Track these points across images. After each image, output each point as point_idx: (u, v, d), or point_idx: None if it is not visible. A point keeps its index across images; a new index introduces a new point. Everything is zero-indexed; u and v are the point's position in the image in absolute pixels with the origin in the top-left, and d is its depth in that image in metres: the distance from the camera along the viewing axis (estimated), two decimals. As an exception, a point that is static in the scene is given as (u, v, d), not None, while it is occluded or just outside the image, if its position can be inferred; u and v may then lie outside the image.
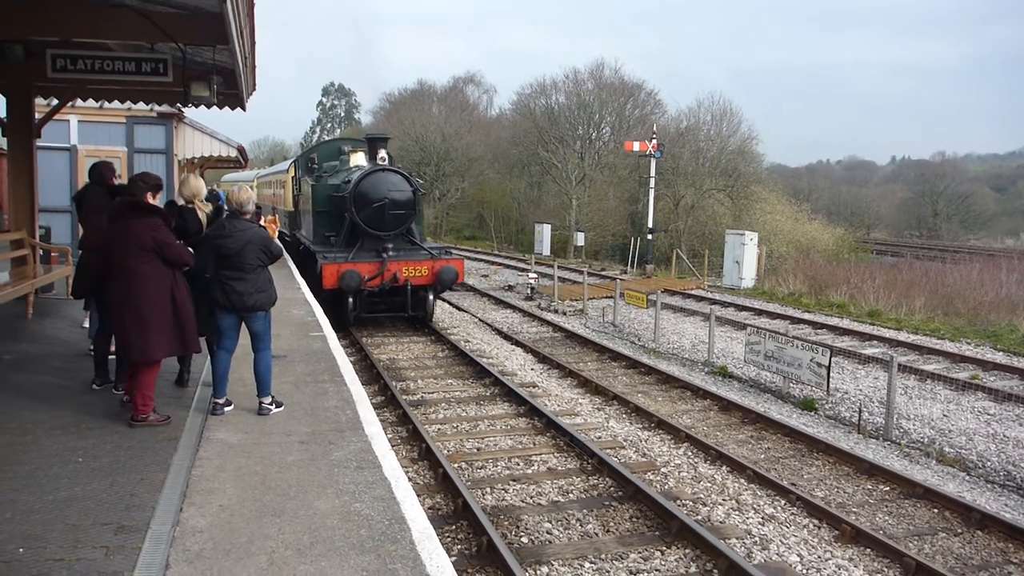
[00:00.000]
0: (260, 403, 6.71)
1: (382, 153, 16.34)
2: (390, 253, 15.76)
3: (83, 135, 16.13)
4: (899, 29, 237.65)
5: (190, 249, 6.53)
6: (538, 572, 6.35)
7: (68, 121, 15.75)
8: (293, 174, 22.56)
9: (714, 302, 23.33)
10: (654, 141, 32.22)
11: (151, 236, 6.13)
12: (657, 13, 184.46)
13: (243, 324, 6.68)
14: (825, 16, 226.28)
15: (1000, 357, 16.06)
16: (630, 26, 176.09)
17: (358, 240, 15.97)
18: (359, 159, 17.60)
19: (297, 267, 18.60)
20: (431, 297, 16.46)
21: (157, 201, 6.56)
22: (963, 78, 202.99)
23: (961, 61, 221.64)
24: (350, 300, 15.38)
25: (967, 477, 9.64)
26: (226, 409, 6.67)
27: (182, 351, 6.54)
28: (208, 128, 18.51)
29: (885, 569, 6.83)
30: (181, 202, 7.34)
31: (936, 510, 8.31)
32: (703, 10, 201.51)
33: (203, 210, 7.35)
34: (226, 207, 6.99)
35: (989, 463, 10.00)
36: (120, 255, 6.16)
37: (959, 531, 7.81)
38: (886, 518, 8.11)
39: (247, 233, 6.53)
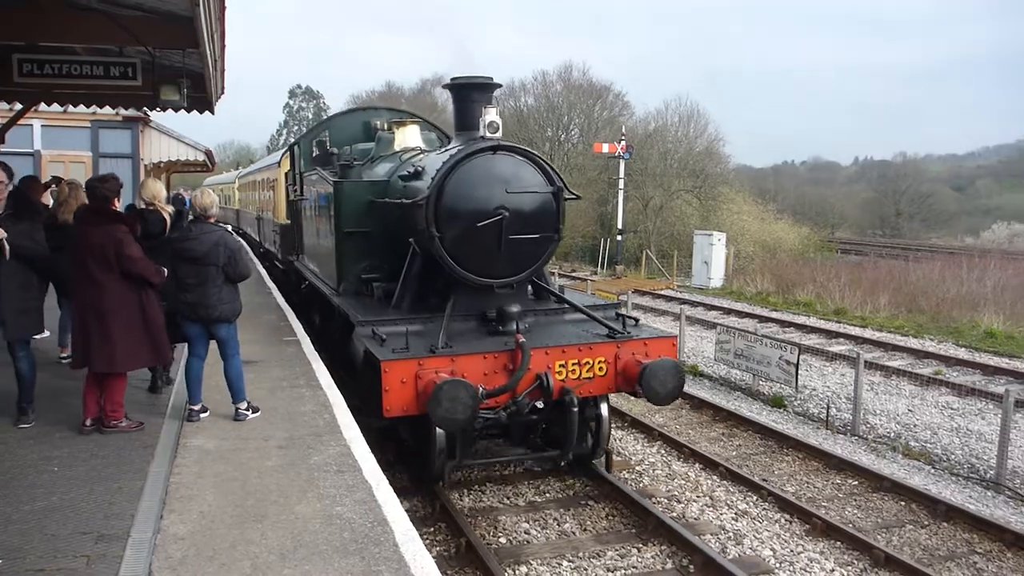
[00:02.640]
0: (236, 409, 6.69)
1: (491, 115, 7.88)
2: (521, 324, 7.71)
3: (47, 140, 15.94)
4: (859, 32, 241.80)
5: (159, 268, 6.31)
6: (517, 571, 6.41)
7: (31, 126, 15.54)
8: (289, 168, 14.47)
9: (684, 302, 23.57)
10: (623, 143, 32.45)
11: (113, 249, 5.96)
12: (625, 16, 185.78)
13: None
14: (785, 18, 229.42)
15: (962, 353, 16.43)
16: (598, 30, 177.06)
17: (443, 293, 8.04)
18: (410, 137, 10.22)
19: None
20: (605, 412, 8.12)
21: (119, 205, 6.39)
22: (923, 80, 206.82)
23: (921, 63, 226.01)
24: (439, 434, 7.23)
25: (932, 470, 9.86)
26: (202, 416, 6.64)
27: (154, 363, 6.45)
28: (175, 132, 18.35)
29: (855, 561, 6.98)
30: (142, 205, 7.30)
31: (903, 503, 8.50)
32: (669, 13, 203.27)
33: (165, 211, 7.30)
34: (190, 212, 6.91)
35: (953, 456, 10.24)
36: (82, 264, 6.02)
37: (926, 523, 8.00)
38: (855, 511, 8.28)
39: (213, 235, 6.46)
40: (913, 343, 17.36)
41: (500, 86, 8.47)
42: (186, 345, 6.78)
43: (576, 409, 7.32)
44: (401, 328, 7.28)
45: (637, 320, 8.33)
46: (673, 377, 7.21)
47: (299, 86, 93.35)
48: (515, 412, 7.14)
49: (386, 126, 11.40)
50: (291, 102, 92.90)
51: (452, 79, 8.51)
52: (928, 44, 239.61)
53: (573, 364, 7.37)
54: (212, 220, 6.63)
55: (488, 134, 7.82)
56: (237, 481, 5.27)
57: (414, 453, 7.93)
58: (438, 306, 7.88)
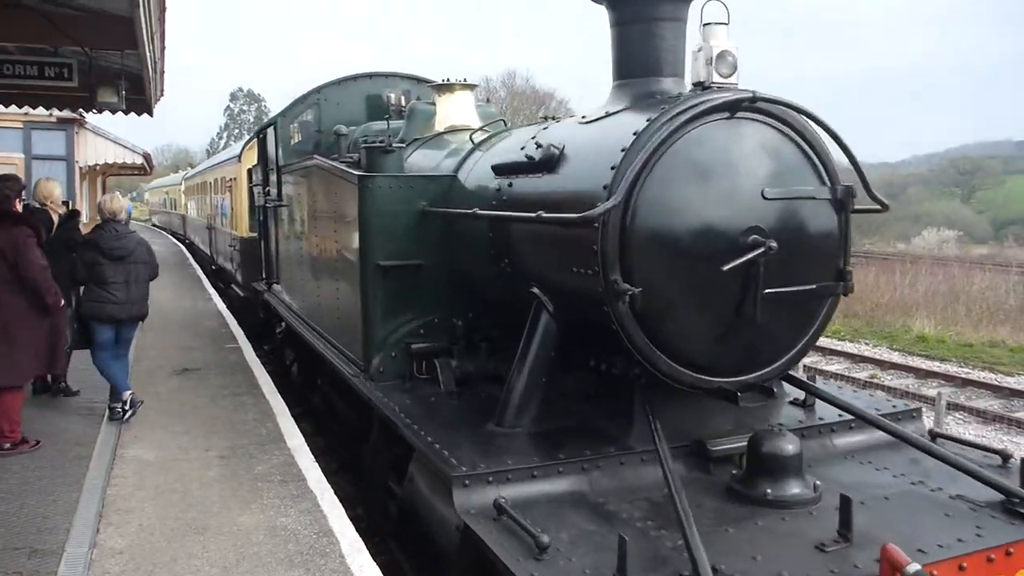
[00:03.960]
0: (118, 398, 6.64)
1: (720, 42, 3.81)
2: (804, 486, 3.53)
3: (-26, 140, 15.35)
4: (802, 40, 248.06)
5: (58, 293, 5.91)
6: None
7: (-42, 126, 14.98)
8: (257, 162, 10.23)
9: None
10: (567, 149, 32.67)
11: (12, 254, 5.60)
12: (574, 17, 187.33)
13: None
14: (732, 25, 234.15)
15: (896, 357, 16.90)
16: (536, 35, 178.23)
17: (619, 395, 4.12)
18: (462, 109, 6.70)
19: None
20: None
21: (19, 206, 6.16)
22: (856, 89, 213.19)
23: (853, 73, 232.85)
24: None
25: (869, 471, 10.12)
26: (138, 404, 6.55)
27: (48, 371, 6.30)
28: (111, 134, 17.86)
29: (796, 562, 7.12)
30: (36, 205, 7.25)
31: (841, 504, 8.70)
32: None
33: (56, 212, 7.28)
34: (98, 215, 6.88)
35: (888, 457, 10.52)
36: None
37: (863, 523, 8.20)
38: (796, 513, 8.45)
39: (134, 235, 6.65)
40: (849, 347, 17.82)
41: None
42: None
43: None
44: (555, 488, 3.60)
45: (995, 452, 4.24)
46: None
47: (240, 89, 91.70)
48: None
49: (406, 99, 7.87)
50: (232, 105, 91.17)
51: None
52: (865, 56, 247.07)
53: None
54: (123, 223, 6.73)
55: (718, 77, 3.85)
56: (177, 492, 5.15)
57: None
58: (591, 424, 4.20)
